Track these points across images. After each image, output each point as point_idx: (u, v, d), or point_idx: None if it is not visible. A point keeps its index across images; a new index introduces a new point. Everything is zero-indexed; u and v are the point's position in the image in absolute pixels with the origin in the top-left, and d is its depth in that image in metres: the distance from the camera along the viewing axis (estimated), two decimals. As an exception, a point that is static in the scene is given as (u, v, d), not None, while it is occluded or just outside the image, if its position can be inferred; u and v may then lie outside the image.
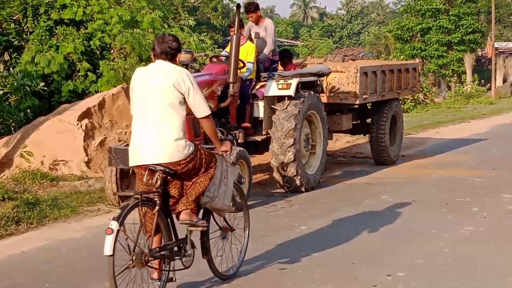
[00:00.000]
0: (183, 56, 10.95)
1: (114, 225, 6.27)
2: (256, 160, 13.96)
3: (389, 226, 10.01)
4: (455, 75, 50.73)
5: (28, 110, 18.61)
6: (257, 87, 12.35)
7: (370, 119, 15.54)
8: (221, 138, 10.04)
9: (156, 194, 6.71)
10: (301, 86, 12.35)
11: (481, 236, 9.59)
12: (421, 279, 7.68)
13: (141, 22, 21.45)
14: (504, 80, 52.00)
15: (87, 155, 13.67)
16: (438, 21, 52.23)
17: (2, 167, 13.58)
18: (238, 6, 12.42)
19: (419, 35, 53.22)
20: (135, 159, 6.99)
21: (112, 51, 21.04)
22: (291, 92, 12.03)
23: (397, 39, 54.22)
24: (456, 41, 51.70)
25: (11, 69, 19.20)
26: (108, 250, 6.22)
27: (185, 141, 6.79)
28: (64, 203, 11.12)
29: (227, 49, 12.58)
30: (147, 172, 6.81)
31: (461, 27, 51.76)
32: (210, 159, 7.02)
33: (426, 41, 52.44)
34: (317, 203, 11.23)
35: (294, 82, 12.10)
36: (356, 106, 15.10)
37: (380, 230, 9.74)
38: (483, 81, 43.95)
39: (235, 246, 7.72)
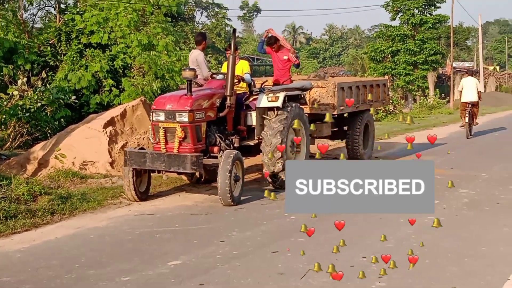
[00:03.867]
0: (187, 73, 11.02)
1: (467, 119, 20.79)
2: (251, 161, 13.94)
3: (364, 216, 9.97)
4: (420, 89, 50.71)
5: (62, 119, 18.58)
6: (250, 99, 12.32)
7: (346, 127, 15.49)
8: None
9: (470, 109, 20.77)
10: (287, 99, 12.31)
11: (441, 224, 9.55)
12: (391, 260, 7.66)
13: (156, 46, 21.47)
14: (461, 94, 51.92)
15: (111, 157, 13.64)
16: (405, 44, 52.24)
17: (40, 167, 13.55)
18: (234, 30, 12.41)
19: (389, 56, 53.24)
20: (465, 99, 20.88)
21: (132, 70, 21.03)
22: (279, 103, 11.96)
23: (371, 59, 54.25)
24: (420, 61, 51.69)
25: (47, 85, 19.15)
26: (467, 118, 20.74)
27: (478, 96, 20.85)
28: (91, 197, 11.12)
29: (223, 68, 12.62)
30: (467, 104, 20.73)
31: (425, 50, 51.77)
32: (478, 102, 21.06)
33: (395, 61, 52.44)
34: (304, 197, 11.17)
35: (281, 95, 12.03)
36: (335, 116, 14.93)
37: (356, 219, 9.71)
38: (443, 94, 44.07)
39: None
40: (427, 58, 51.81)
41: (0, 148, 15.92)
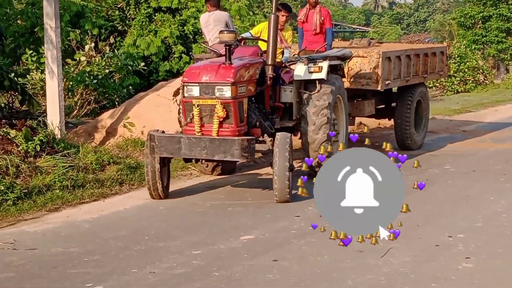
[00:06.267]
0: (226, 36, 9.42)
1: None
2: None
3: (450, 193, 9.88)
4: (513, 59, 49.44)
5: (130, 87, 18.86)
6: (283, 72, 10.71)
7: (395, 104, 13.78)
8: None
9: None
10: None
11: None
12: (479, 240, 7.58)
13: (229, 10, 21.50)
14: (559, 64, 50.45)
15: (181, 126, 13.75)
16: (498, 9, 50.82)
17: (108, 136, 13.84)
18: None
19: (480, 22, 51.96)
20: None
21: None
22: (323, 75, 10.36)
23: (460, 26, 52.99)
24: (515, 28, 50.38)
25: (115, 50, 19.47)
26: None
27: None
28: (161, 167, 11.24)
29: (253, 30, 11.50)
30: None
31: (520, 15, 50.40)
32: None
33: (487, 28, 51.07)
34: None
35: (325, 65, 10.44)
36: (380, 91, 13.08)
37: (442, 196, 9.63)
38: (539, 64, 42.82)
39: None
40: (523, 25, 50.43)
41: (67, 116, 16.26)
